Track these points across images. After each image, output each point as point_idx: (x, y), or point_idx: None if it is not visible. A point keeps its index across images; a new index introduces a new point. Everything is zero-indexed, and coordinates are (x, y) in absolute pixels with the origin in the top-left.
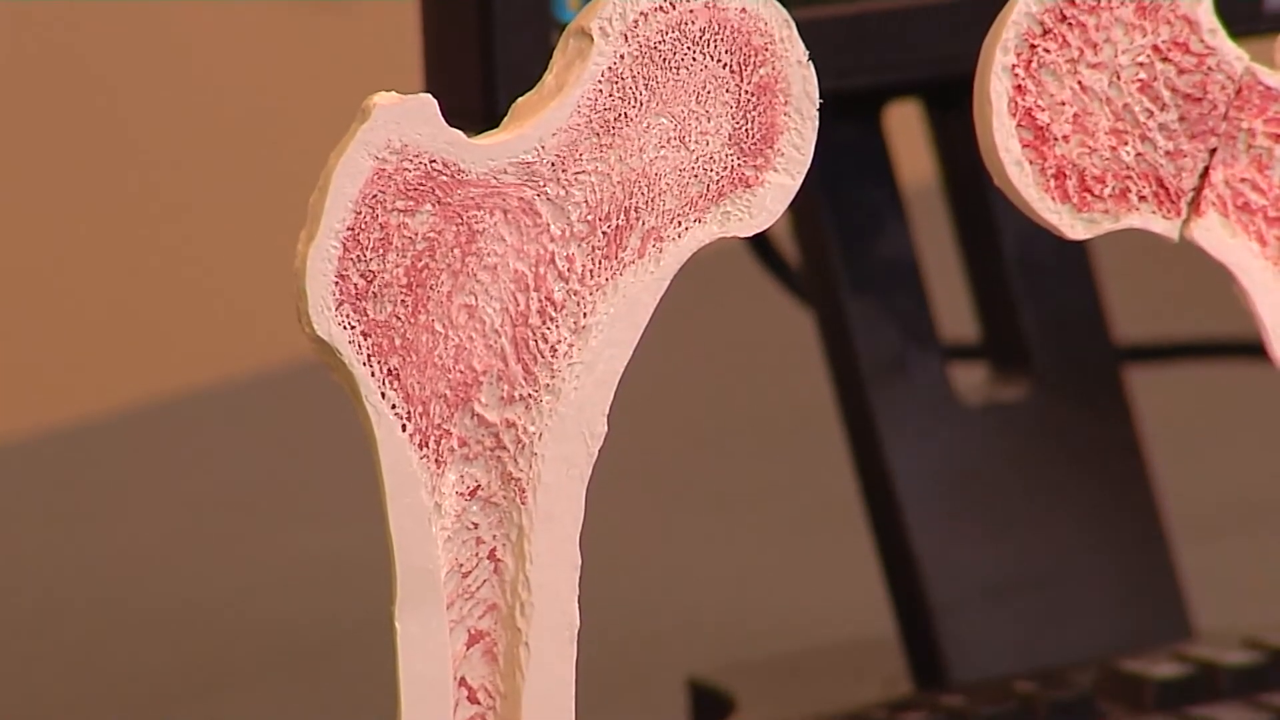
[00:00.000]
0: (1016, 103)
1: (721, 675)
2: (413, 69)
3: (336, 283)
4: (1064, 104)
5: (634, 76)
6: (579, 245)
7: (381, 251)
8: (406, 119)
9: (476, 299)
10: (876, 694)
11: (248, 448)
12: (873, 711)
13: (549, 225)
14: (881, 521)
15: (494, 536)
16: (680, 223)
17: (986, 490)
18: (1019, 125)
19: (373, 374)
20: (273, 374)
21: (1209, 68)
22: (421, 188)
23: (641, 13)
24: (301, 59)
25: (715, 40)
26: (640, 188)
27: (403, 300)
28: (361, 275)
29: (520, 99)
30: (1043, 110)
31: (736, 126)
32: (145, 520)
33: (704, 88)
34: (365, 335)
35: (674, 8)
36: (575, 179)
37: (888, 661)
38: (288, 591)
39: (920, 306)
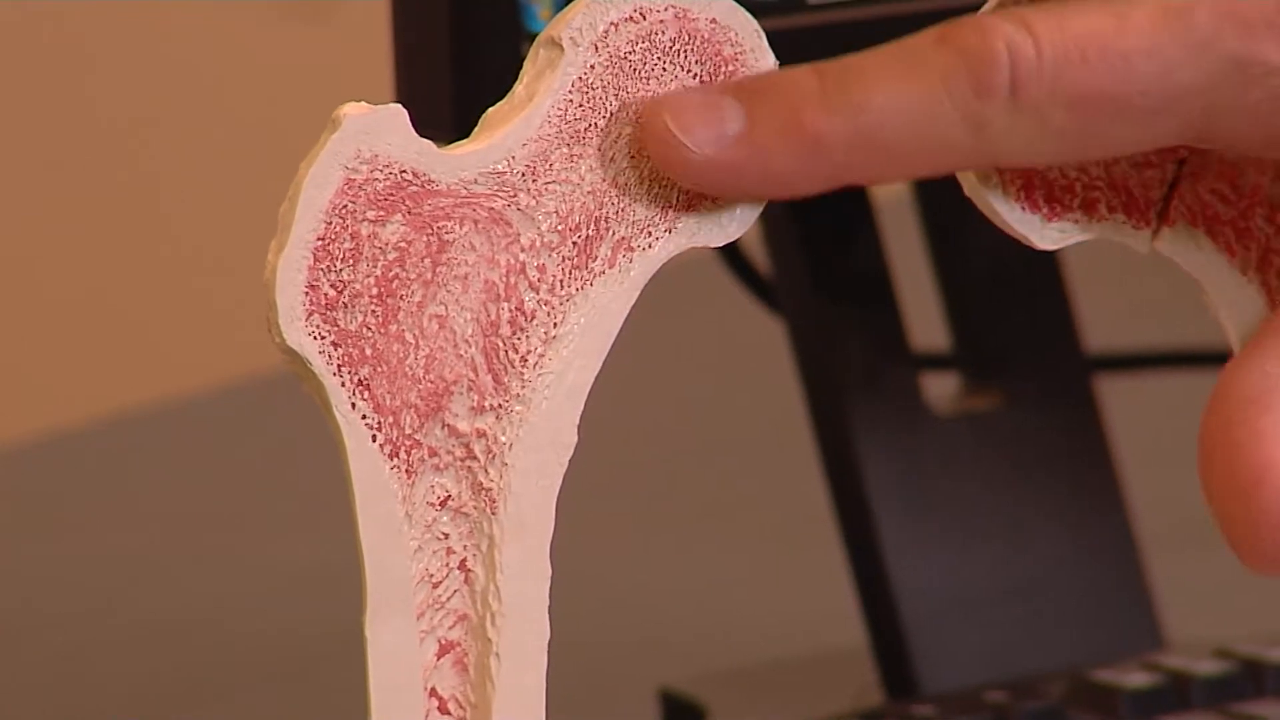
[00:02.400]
0: None
1: (693, 685)
2: (386, 79)
3: (307, 293)
4: None
5: (604, 87)
6: (550, 255)
7: (352, 262)
8: (377, 129)
9: (447, 309)
10: (848, 704)
11: (217, 459)
12: None
13: (520, 235)
14: (853, 531)
15: (464, 547)
16: (651, 233)
17: (958, 500)
18: None
19: (343, 384)
20: (246, 385)
21: None
22: (392, 198)
23: (612, 23)
24: (275, 68)
25: (685, 50)
26: (611, 198)
27: (373, 310)
28: (332, 285)
29: (491, 109)
30: None
31: None
32: (125, 530)
33: None
34: (336, 345)
35: (644, 18)
36: (546, 189)
37: (859, 672)
38: (262, 602)
39: (891, 316)
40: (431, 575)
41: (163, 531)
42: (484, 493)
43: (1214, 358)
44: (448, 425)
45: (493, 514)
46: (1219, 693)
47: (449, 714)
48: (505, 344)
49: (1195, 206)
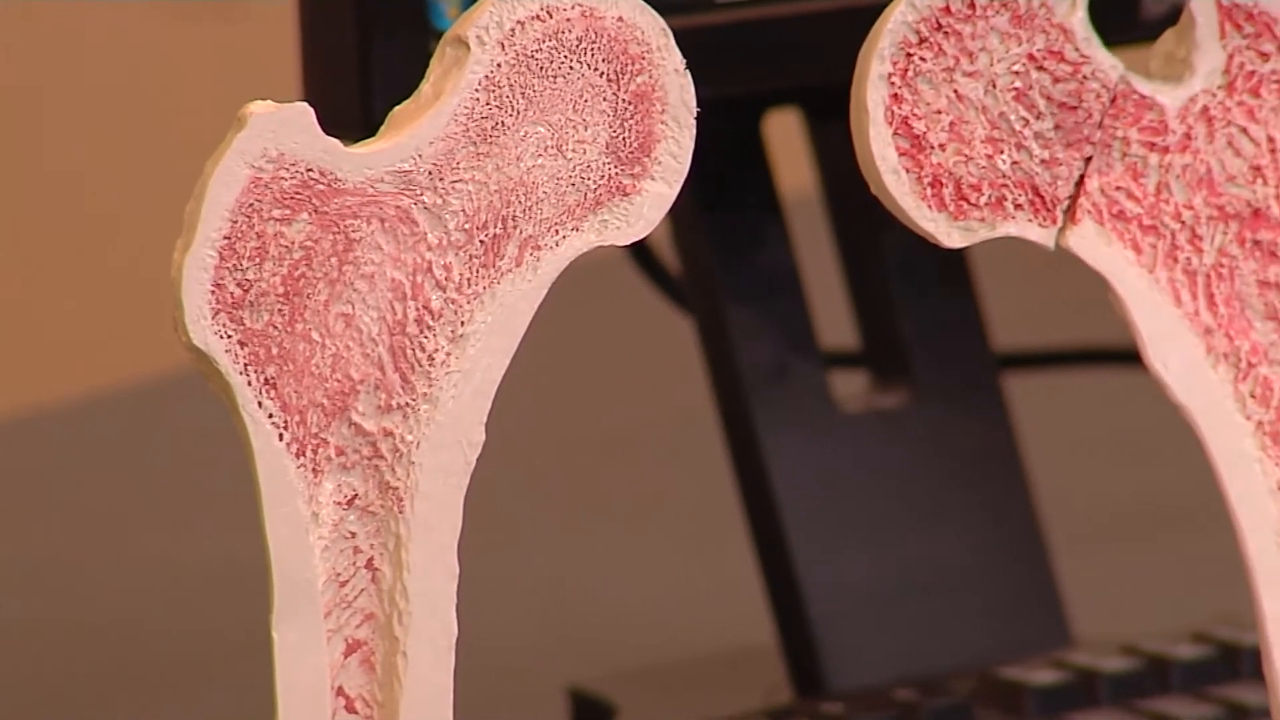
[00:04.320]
0: (893, 111)
1: (602, 684)
2: (294, 77)
3: (213, 292)
4: (940, 112)
5: (511, 85)
6: (456, 254)
7: (258, 260)
8: (283, 127)
9: (354, 308)
10: (757, 702)
11: (126, 457)
12: (752, 719)
13: (426, 234)
14: (761, 529)
15: (371, 545)
16: (558, 231)
17: (866, 498)
18: (895, 133)
19: (249, 383)
20: (152, 383)
21: (1084, 76)
22: (298, 196)
23: (518, 21)
24: (182, 66)
25: (592, 49)
26: (518, 196)
27: (279, 309)
28: (238, 284)
29: (397, 107)
30: (919, 119)
31: (614, 135)
32: (29, 530)
33: (581, 96)
34: (242, 344)
35: (551, 16)
36: (452, 188)
37: (768, 670)
38: (166, 602)
39: (800, 314)
40: (338, 574)
41: (58, 532)
42: (391, 491)
43: (1121, 355)
44: (354, 424)
45: (400, 513)
46: (1126, 689)
47: (356, 713)
48: (412, 343)
49: (1102, 204)
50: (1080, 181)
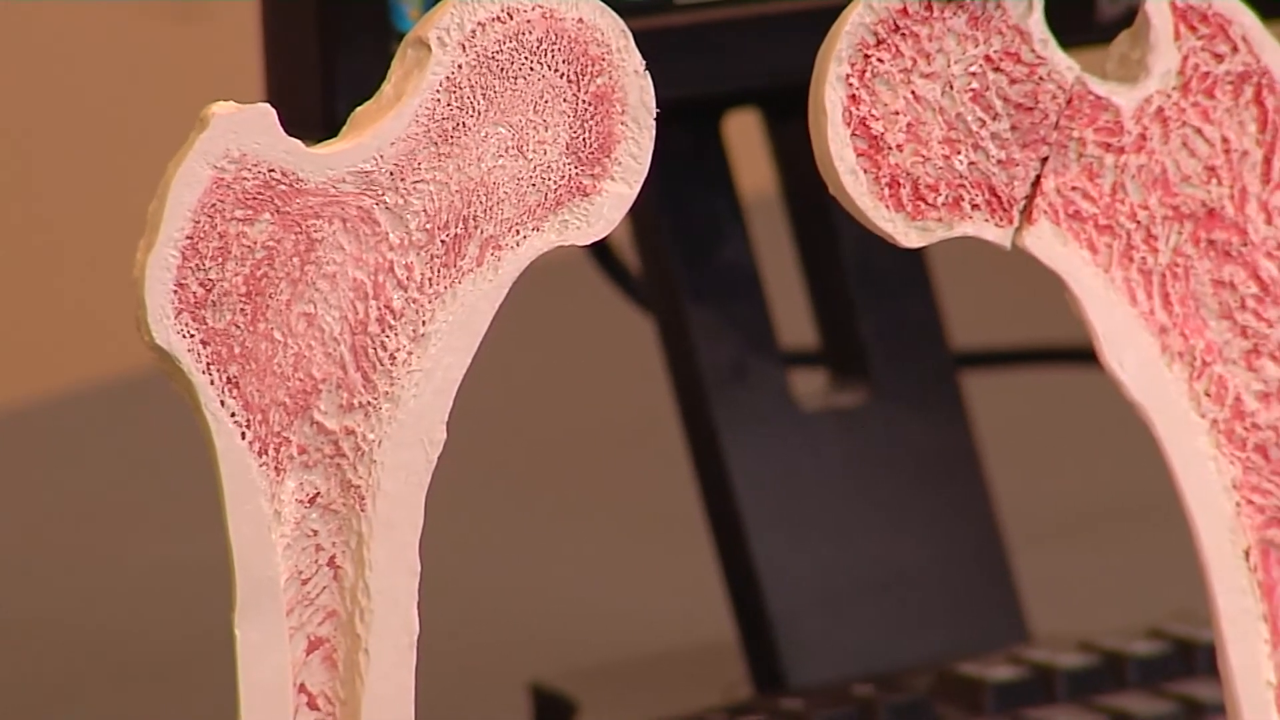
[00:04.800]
0: (851, 112)
1: (564, 680)
2: (256, 78)
3: (175, 291)
4: (898, 113)
5: (472, 86)
6: (418, 254)
7: (220, 260)
8: (245, 128)
9: (315, 307)
10: (717, 698)
11: (88, 457)
12: (713, 716)
13: (388, 234)
14: (721, 527)
15: (333, 543)
16: (519, 231)
17: (825, 496)
18: (853, 134)
19: (212, 382)
20: (114, 382)
21: (1040, 77)
22: (260, 196)
23: (479, 23)
24: (145, 66)
25: (552, 50)
26: (479, 196)
27: (242, 309)
28: (200, 284)
29: (359, 108)
30: (877, 119)
31: (574, 136)
32: None
33: (541, 97)
34: (204, 344)
35: (511, 18)
36: (414, 188)
37: (728, 666)
38: (131, 600)
39: (760, 314)
40: (300, 572)
41: (30, 531)
42: (353, 490)
43: (1078, 354)
44: (316, 423)
45: (361, 511)
46: (1083, 685)
47: (318, 709)
48: (374, 342)
49: (1058, 204)
50: (1036, 182)
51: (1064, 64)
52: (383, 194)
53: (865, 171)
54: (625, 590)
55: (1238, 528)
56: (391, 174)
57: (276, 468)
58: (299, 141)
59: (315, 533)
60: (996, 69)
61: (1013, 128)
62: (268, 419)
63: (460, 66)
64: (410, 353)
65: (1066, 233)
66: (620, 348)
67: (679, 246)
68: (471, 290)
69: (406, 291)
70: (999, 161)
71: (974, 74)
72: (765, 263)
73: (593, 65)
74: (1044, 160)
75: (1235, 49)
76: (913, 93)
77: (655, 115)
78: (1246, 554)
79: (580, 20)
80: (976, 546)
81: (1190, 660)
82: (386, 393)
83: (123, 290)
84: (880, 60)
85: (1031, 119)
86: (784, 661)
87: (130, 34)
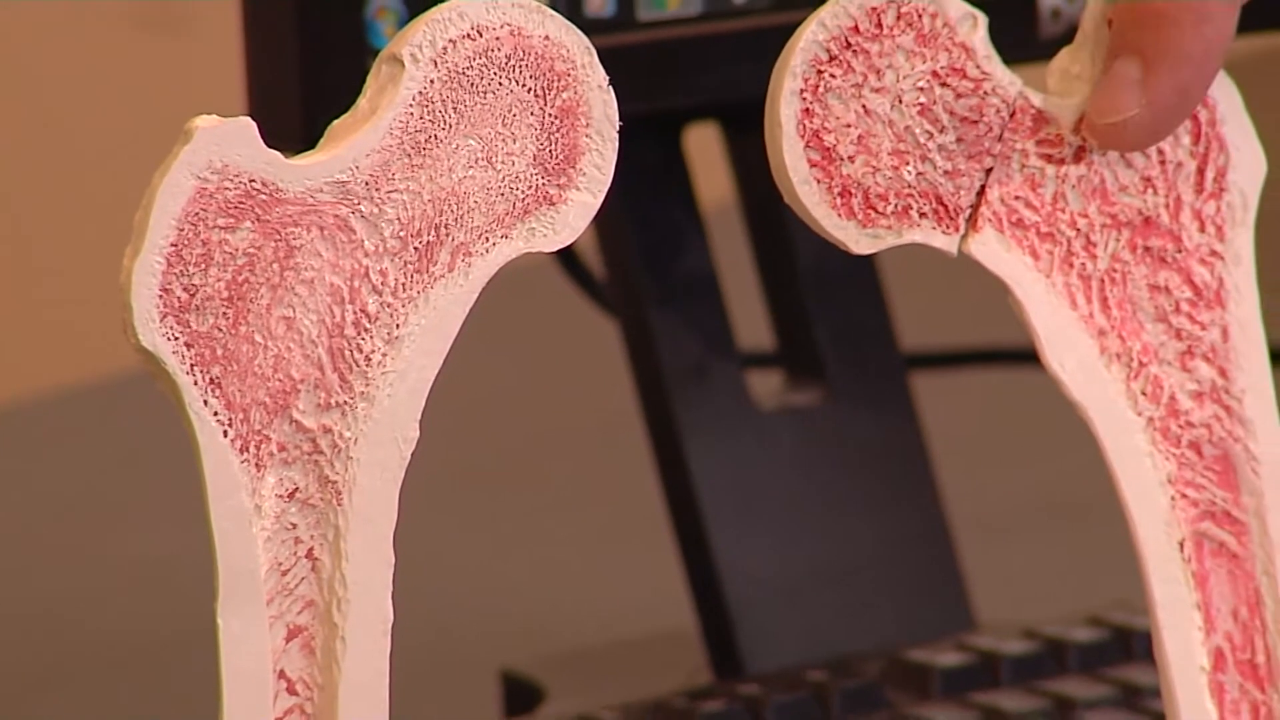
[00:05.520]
0: (805, 125)
1: (532, 667)
2: (239, 91)
3: (161, 296)
4: (849, 126)
5: (443, 100)
6: (392, 260)
7: (203, 266)
8: (227, 140)
9: (294, 311)
10: (678, 684)
11: (77, 455)
12: (674, 700)
13: (363, 241)
14: (682, 521)
15: (312, 536)
16: (488, 238)
17: (781, 491)
18: (807, 146)
19: (196, 383)
20: (103, 383)
21: (985, 92)
22: (242, 206)
23: (450, 40)
24: (131, 79)
25: (520, 66)
26: (450, 205)
27: (224, 313)
28: (184, 289)
29: (336, 121)
30: (829, 132)
31: (541, 147)
32: None
33: (509, 111)
34: (188, 346)
35: (481, 35)
36: (388, 197)
37: (689, 653)
38: (119, 591)
39: (719, 317)
40: (280, 563)
41: (12, 526)
42: (330, 485)
43: (1021, 356)
44: (295, 421)
45: (338, 505)
46: (1026, 670)
47: (297, 695)
48: (350, 344)
49: (1001, 212)
50: (981, 191)
51: (1007, 79)
52: (358, 203)
53: (818, 181)
54: (591, 581)
55: (1173, 521)
56: (367, 184)
57: (257, 464)
58: (278, 153)
59: (294, 526)
60: (943, 84)
61: (958, 140)
62: (249, 418)
63: (432, 82)
64: (385, 354)
65: (1010, 240)
66: (585, 350)
67: (641, 253)
68: (443, 295)
69: (381, 296)
70: (945, 172)
71: (922, 89)
72: (724, 268)
73: (559, 80)
74: (988, 171)
75: None
76: (863, 107)
77: (619, 128)
78: (1181, 546)
79: (547, 37)
80: (925, 539)
81: (1128, 646)
82: (362, 393)
83: (110, 295)
84: (833, 76)
85: (976, 132)
86: (742, 649)
87: (117, 48)
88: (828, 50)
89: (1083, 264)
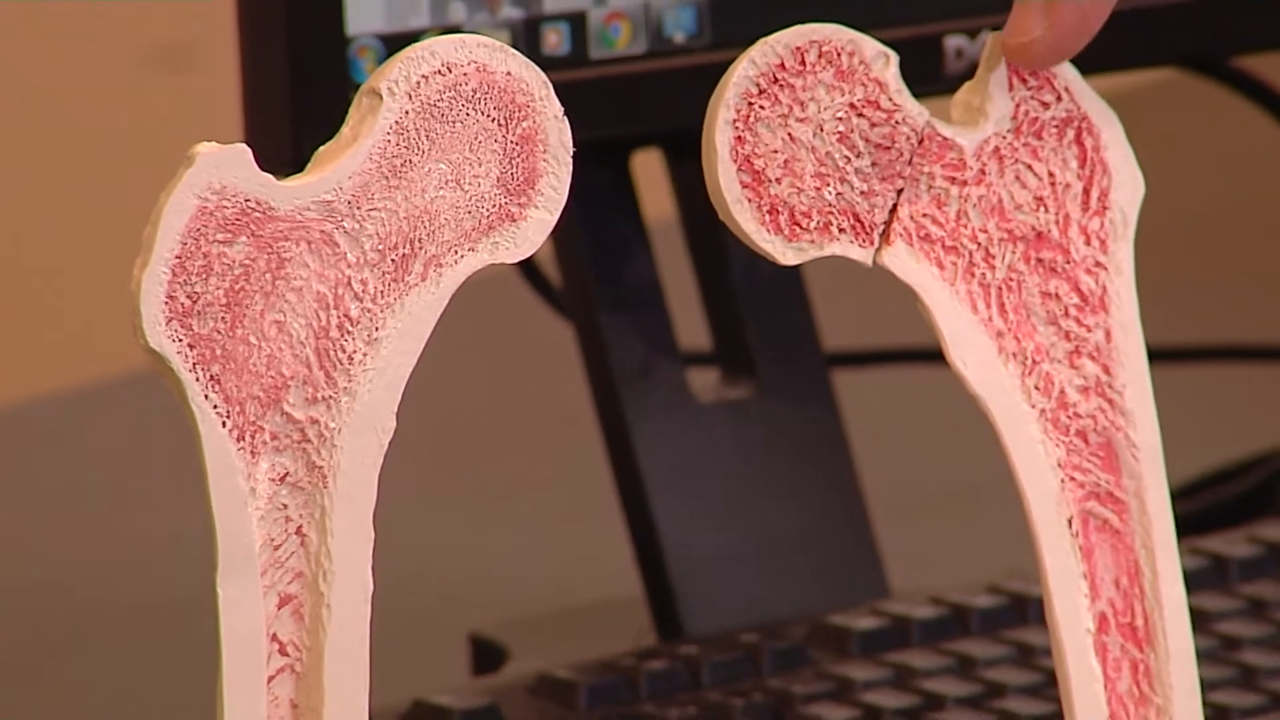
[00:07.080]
0: (737, 151)
1: (498, 630)
2: (237, 120)
3: (166, 302)
4: (776, 152)
5: (417, 129)
6: (371, 270)
7: (204, 276)
8: (225, 164)
9: (285, 315)
10: (627, 645)
11: (91, 445)
12: (623, 660)
13: (346, 254)
14: (630, 501)
15: (300, 515)
16: (457, 251)
17: (718, 475)
18: (739, 170)
19: (197, 379)
20: (113, 380)
21: (896, 122)
22: (238, 222)
23: (423, 75)
24: (140, 109)
25: (485, 98)
26: (423, 222)
27: (222, 317)
28: (187, 296)
29: (322, 148)
30: (759, 157)
31: (503, 171)
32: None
33: (476, 138)
34: (191, 347)
35: (450, 71)
36: (368, 215)
37: (636, 618)
38: (128, 566)
39: (662, 321)
40: (273, 539)
41: (33, 511)
42: (317, 470)
43: (929, 355)
44: (286, 413)
45: (324, 488)
46: (933, 633)
47: (287, 656)
48: (334, 345)
49: (911, 228)
50: (893, 209)
51: (916, 110)
52: (342, 220)
53: (749, 201)
54: (550, 555)
55: (1062, 500)
56: (349, 203)
57: (252, 451)
58: (271, 176)
59: (285, 506)
60: (859, 115)
61: (873, 164)
62: (245, 410)
63: (407, 113)
64: (365, 354)
65: (919, 252)
66: (544, 350)
67: (594, 264)
68: (417, 301)
69: (362, 302)
70: (862, 192)
71: (840, 119)
72: (667, 277)
73: (519, 111)
74: (900, 191)
75: (1059, 98)
76: (789, 134)
77: (573, 153)
78: (1069, 523)
79: (509, 73)
80: (845, 517)
81: (1024, 611)
82: (345, 388)
83: (121, 302)
84: (762, 107)
85: (889, 156)
86: (683, 615)
87: (130, 82)
88: (757, 84)
89: (983, 274)
